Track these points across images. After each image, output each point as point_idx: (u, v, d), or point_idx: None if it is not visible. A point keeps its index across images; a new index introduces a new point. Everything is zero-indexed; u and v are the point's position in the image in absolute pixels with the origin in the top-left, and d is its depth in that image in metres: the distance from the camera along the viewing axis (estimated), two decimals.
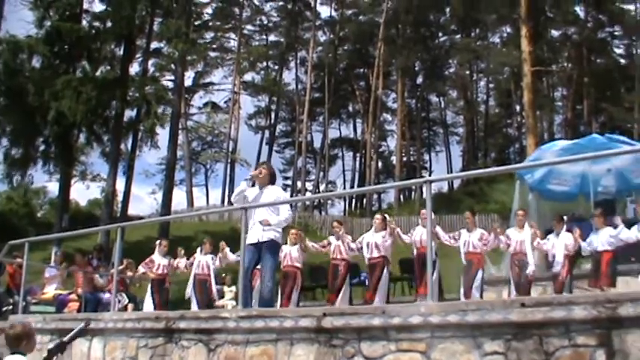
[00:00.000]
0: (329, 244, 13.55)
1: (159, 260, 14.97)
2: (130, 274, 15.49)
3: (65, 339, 8.26)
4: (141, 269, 15.04)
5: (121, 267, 14.29)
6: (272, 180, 10.30)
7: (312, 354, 7.47)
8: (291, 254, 13.38)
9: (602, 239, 11.89)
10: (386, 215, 13.72)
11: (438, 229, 12.88)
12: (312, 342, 7.51)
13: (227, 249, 14.34)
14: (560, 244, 12.35)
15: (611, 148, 14.09)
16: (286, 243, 13.26)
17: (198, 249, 14.95)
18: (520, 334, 6.17)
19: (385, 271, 12.67)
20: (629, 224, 12.33)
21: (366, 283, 13.88)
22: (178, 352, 8.82)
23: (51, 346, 8.16)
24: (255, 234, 9.66)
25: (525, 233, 12.53)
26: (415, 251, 13.35)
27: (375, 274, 12.59)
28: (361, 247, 13.12)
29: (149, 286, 15.01)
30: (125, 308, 14.33)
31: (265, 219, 9.75)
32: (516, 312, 6.20)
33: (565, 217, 13.27)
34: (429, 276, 7.42)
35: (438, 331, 6.62)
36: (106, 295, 14.48)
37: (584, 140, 16.06)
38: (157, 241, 15.79)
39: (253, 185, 10.14)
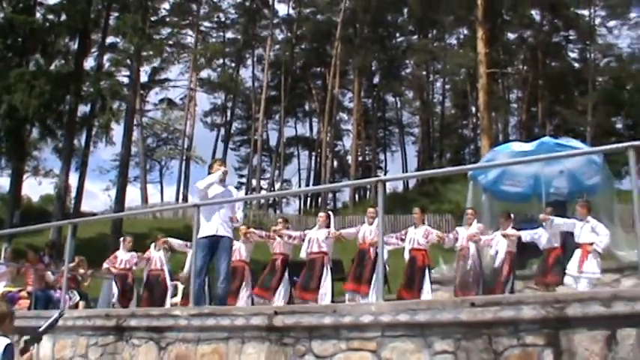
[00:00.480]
0: (273, 238, 13.46)
1: (122, 256, 14.95)
2: (81, 271, 15.30)
3: (41, 329, 8.20)
4: (105, 265, 15.00)
5: (72, 264, 14.12)
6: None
7: (264, 352, 7.45)
8: (240, 250, 13.30)
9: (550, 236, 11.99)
10: (330, 212, 13.65)
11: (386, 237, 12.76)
12: (264, 340, 7.50)
13: (169, 239, 14.38)
14: (503, 240, 12.41)
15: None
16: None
17: (152, 245, 14.85)
18: (470, 334, 6.21)
19: (326, 267, 12.56)
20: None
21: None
22: (129, 350, 8.74)
23: (27, 337, 8.11)
24: (214, 226, 9.60)
25: (473, 230, 12.58)
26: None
27: (316, 269, 12.48)
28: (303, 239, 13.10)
29: (109, 283, 14.92)
30: (76, 306, 14.15)
31: (234, 216, 9.74)
32: (466, 312, 6.24)
33: (512, 215, 13.32)
34: (380, 275, 7.40)
35: (389, 330, 6.64)
36: (57, 293, 14.31)
37: (536, 144, 16.20)
38: (122, 238, 15.78)
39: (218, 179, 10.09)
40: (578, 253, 11.20)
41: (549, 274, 11.86)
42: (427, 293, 11.84)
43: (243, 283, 13.23)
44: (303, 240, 13.03)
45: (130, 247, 15.18)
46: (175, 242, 14.35)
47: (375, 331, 6.72)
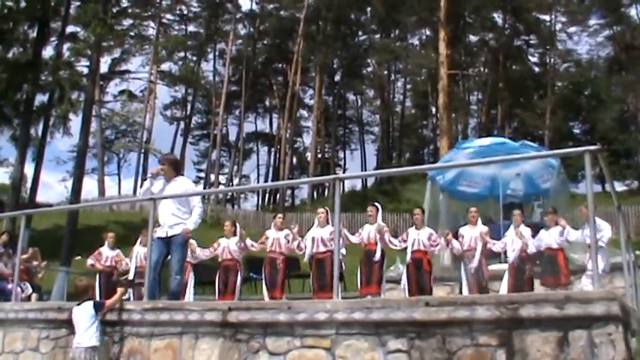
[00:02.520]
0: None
1: (107, 253, 14.86)
2: (35, 263, 15.13)
3: None
4: (89, 261, 14.91)
5: (25, 255, 13.97)
6: (177, 169, 10.17)
7: (217, 348, 7.42)
8: (229, 247, 13.15)
9: (555, 237, 11.84)
10: (327, 209, 13.37)
11: (387, 235, 12.53)
12: (218, 336, 7.47)
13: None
14: (518, 239, 12.24)
15: (521, 153, 14.47)
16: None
17: (138, 240, 14.67)
18: (424, 333, 6.24)
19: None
20: (536, 228, 12.54)
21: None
22: None
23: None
24: (163, 229, 9.54)
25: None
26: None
27: (326, 268, 12.29)
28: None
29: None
30: (29, 298, 13.98)
31: (187, 229, 9.66)
32: (420, 311, 6.27)
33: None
34: (336, 273, 7.38)
35: (344, 328, 6.64)
36: (10, 285, 14.13)
37: (496, 142, 16.35)
38: (106, 234, 15.57)
39: (154, 179, 9.98)
40: (587, 253, 11.18)
41: (562, 274, 11.76)
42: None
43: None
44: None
45: (113, 244, 15.06)
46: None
47: (329, 328, 6.71)
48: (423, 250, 12.08)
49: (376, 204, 12.50)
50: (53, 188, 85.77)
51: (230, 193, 57.41)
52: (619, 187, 49.00)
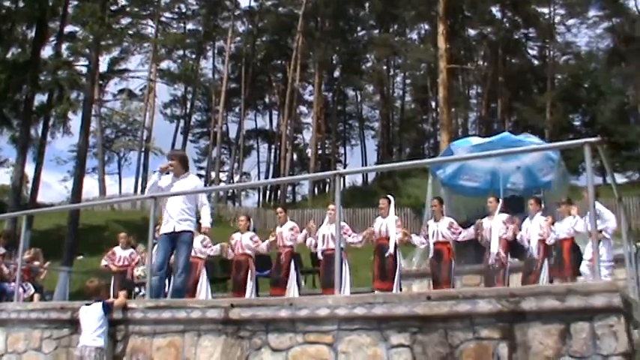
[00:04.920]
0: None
1: (120, 253, 14.96)
2: (37, 263, 15.14)
3: None
4: (103, 262, 15.03)
5: (27, 256, 13.99)
6: (185, 166, 10.15)
7: (220, 345, 7.41)
8: (242, 242, 13.16)
9: (564, 228, 11.74)
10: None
11: (414, 236, 12.47)
12: (220, 333, 7.46)
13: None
14: (534, 228, 12.05)
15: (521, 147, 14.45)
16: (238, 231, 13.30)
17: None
18: (426, 327, 6.24)
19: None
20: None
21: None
22: None
23: None
24: (171, 223, 9.53)
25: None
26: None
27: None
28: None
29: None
30: (31, 298, 13.98)
31: (206, 227, 9.94)
32: (422, 305, 6.26)
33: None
34: (337, 269, 7.38)
35: (345, 323, 6.64)
36: (12, 285, 14.14)
37: (496, 138, 16.30)
38: (120, 234, 15.72)
39: (164, 174, 9.98)
40: (589, 243, 11.12)
41: (567, 266, 11.64)
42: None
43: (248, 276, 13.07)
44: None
45: (126, 243, 15.13)
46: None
47: (331, 324, 6.71)
48: (442, 241, 12.05)
49: (389, 196, 12.42)
50: (54, 188, 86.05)
51: (231, 191, 57.37)
52: (620, 179, 49.02)
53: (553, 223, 11.91)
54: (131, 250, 15.09)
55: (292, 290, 12.60)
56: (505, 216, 12.48)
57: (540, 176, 17.42)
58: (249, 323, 7.25)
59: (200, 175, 59.59)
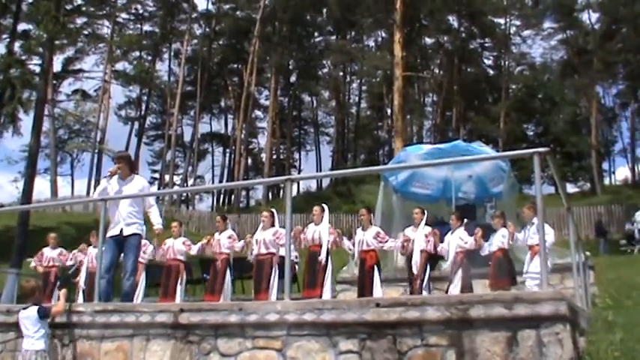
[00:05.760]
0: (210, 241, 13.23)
1: (48, 253, 14.73)
2: None
3: None
4: (32, 263, 14.88)
5: None
6: (132, 167, 10.07)
7: (169, 350, 7.37)
8: (174, 247, 13.08)
9: (496, 240, 11.94)
10: (273, 210, 13.30)
11: (344, 239, 12.48)
12: (169, 338, 7.42)
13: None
14: (454, 241, 12.21)
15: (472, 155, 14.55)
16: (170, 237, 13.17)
17: (92, 241, 14.51)
18: (374, 334, 6.25)
19: (274, 268, 12.39)
20: (489, 230, 12.60)
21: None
22: None
23: None
24: (118, 227, 9.45)
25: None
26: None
27: (265, 270, 12.28)
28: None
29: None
30: None
31: (159, 228, 9.90)
32: (371, 312, 6.28)
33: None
34: (287, 275, 7.37)
35: (294, 329, 6.63)
36: None
37: (448, 145, 16.43)
38: (48, 235, 15.47)
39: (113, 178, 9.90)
40: (528, 254, 11.33)
41: (499, 277, 11.82)
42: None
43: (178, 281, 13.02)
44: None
45: (56, 244, 14.91)
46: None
47: (280, 329, 6.71)
48: (367, 250, 11.98)
49: (323, 205, 12.38)
50: (4, 189, 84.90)
51: (185, 194, 57.17)
52: (571, 188, 49.90)
53: (484, 236, 12.13)
54: (59, 249, 14.84)
55: (227, 296, 12.61)
56: (428, 229, 12.59)
57: (491, 186, 17.56)
58: (198, 328, 7.22)
59: (154, 178, 59.48)
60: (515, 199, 17.95)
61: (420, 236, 12.36)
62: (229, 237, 12.98)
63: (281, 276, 11.82)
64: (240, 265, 14.79)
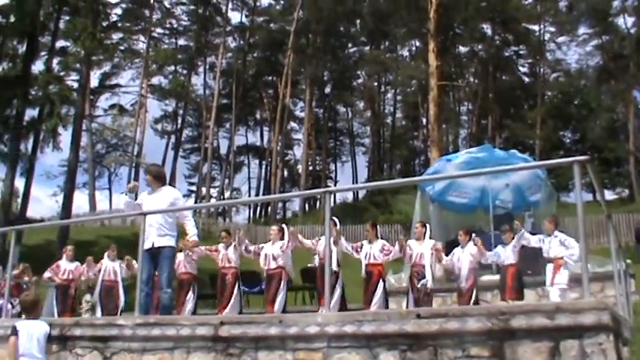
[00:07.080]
0: (216, 250, 13.33)
1: (65, 265, 14.71)
2: (26, 278, 15.08)
3: None
4: (47, 274, 14.74)
5: (16, 271, 13.91)
6: (161, 180, 10.10)
7: None
8: (228, 255, 13.16)
9: (508, 253, 12.04)
10: (283, 225, 13.43)
11: (342, 238, 12.65)
12: (209, 350, 7.41)
13: (134, 261, 14.15)
14: (465, 257, 12.34)
15: (510, 163, 14.47)
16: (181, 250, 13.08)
17: (106, 255, 14.61)
18: (415, 345, 6.21)
19: (283, 282, 12.48)
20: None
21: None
22: None
23: None
24: (150, 239, 9.40)
25: (425, 245, 12.44)
26: (318, 262, 12.99)
27: (273, 285, 12.40)
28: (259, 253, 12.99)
29: (53, 292, 14.67)
30: (20, 315, 13.91)
31: (195, 241, 10.00)
32: (412, 323, 6.24)
33: (472, 233, 13.19)
34: (327, 286, 7.37)
35: (335, 341, 6.61)
36: (1, 301, 14.07)
37: (476, 149, 16.43)
38: (65, 247, 15.51)
39: (133, 194, 9.99)
40: (550, 267, 11.29)
41: (509, 291, 11.90)
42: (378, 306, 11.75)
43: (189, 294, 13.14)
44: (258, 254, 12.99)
45: (72, 257, 14.92)
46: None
47: (321, 341, 6.68)
48: (374, 263, 12.12)
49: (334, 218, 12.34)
50: (44, 203, 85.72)
51: (221, 207, 57.36)
52: (610, 195, 49.23)
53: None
54: (76, 263, 14.83)
55: (235, 309, 12.74)
56: (432, 242, 12.63)
57: (528, 195, 17.48)
58: (238, 340, 7.21)
59: (191, 191, 59.74)
60: (553, 206, 17.81)
61: (426, 249, 12.39)
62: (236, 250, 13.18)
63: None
64: (249, 279, 14.92)
